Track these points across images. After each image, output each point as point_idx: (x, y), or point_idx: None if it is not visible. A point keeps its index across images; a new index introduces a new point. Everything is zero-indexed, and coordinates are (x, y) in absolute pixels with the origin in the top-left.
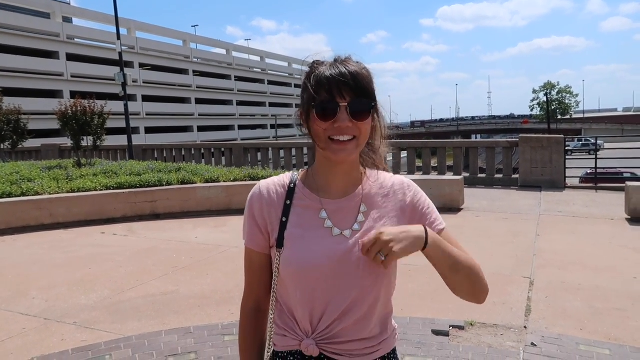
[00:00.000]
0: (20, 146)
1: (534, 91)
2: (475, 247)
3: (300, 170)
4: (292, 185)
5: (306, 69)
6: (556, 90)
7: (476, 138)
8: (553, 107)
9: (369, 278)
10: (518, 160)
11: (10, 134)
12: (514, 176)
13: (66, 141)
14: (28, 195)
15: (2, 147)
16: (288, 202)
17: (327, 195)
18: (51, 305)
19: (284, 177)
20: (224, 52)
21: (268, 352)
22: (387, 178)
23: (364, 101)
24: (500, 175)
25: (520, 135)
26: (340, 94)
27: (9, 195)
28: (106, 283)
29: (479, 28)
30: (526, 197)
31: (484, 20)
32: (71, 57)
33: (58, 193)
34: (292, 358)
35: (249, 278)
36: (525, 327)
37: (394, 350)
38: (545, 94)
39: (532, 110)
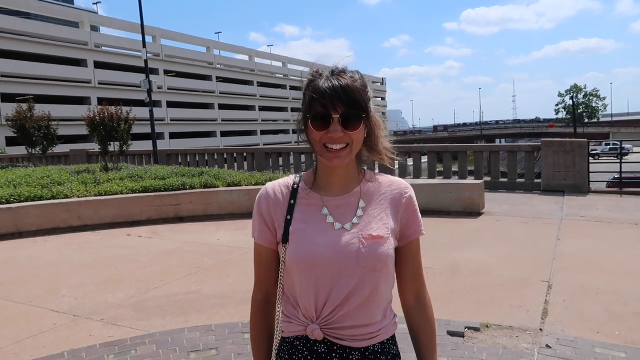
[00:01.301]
0: (51, 151)
1: (560, 94)
2: (494, 251)
3: (303, 172)
4: (295, 186)
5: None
6: (583, 94)
7: (500, 142)
8: (580, 111)
9: (368, 267)
10: (541, 164)
11: (41, 140)
12: (536, 181)
13: (94, 146)
14: (58, 199)
15: (33, 152)
16: (292, 201)
17: (328, 193)
18: (80, 302)
19: (289, 179)
20: (246, 58)
21: (277, 339)
22: (387, 179)
23: (355, 113)
24: (523, 180)
25: (543, 139)
26: (333, 106)
27: (40, 199)
28: (132, 282)
29: (504, 31)
30: (548, 201)
31: (509, 23)
32: (99, 65)
33: (86, 196)
34: (298, 343)
35: (258, 272)
36: (541, 329)
37: (393, 337)
38: (572, 98)
39: (557, 114)
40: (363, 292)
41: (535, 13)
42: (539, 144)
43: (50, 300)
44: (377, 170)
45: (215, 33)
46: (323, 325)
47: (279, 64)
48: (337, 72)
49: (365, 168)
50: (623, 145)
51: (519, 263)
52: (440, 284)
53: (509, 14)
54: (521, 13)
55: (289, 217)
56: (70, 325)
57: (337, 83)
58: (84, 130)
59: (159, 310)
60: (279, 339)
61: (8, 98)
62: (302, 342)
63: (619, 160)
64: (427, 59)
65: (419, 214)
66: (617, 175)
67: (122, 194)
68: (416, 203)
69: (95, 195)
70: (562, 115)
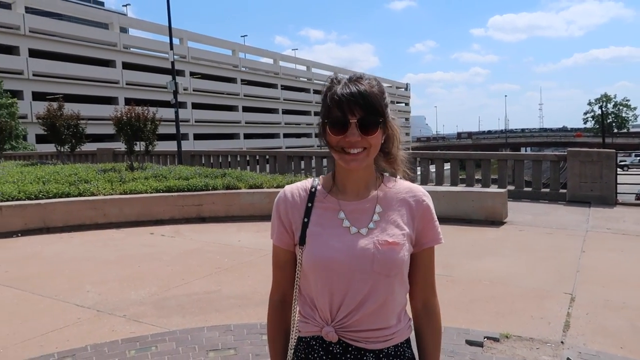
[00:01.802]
0: (78, 149)
1: (589, 103)
2: (515, 260)
3: (321, 176)
4: (313, 189)
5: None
6: (612, 103)
7: (525, 151)
8: (609, 121)
9: (383, 272)
10: (566, 174)
11: (69, 138)
12: (561, 191)
13: (120, 145)
14: (84, 196)
15: (62, 150)
16: (309, 204)
17: (345, 197)
18: (103, 298)
19: (307, 182)
20: (271, 61)
21: (293, 339)
22: (405, 185)
23: (372, 118)
24: (547, 190)
25: (569, 148)
26: (350, 111)
27: (67, 195)
28: (153, 280)
29: (532, 38)
30: (573, 212)
31: (537, 30)
32: (126, 66)
33: (112, 194)
34: (314, 342)
35: (275, 273)
36: (562, 342)
37: (407, 340)
38: (601, 107)
39: (585, 123)
40: (377, 297)
41: (564, 20)
42: (565, 153)
43: (74, 295)
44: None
45: (241, 36)
46: (338, 328)
47: (303, 68)
48: (354, 79)
49: (384, 173)
50: None
51: (541, 274)
52: (460, 292)
53: (537, 20)
54: (550, 20)
55: (306, 220)
56: (93, 320)
57: (354, 88)
58: (111, 130)
59: (179, 309)
60: (296, 338)
61: (39, 97)
62: (318, 342)
63: None
64: (453, 65)
65: (436, 223)
66: None
67: (146, 193)
68: (433, 211)
69: (121, 194)
70: (590, 124)
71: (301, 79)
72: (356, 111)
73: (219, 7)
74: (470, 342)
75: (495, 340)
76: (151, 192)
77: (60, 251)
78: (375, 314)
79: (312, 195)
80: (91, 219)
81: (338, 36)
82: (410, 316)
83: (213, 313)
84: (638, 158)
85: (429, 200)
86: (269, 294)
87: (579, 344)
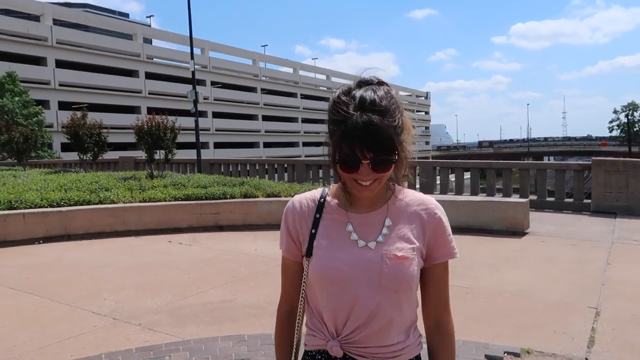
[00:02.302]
0: (101, 158)
1: (615, 112)
2: (538, 272)
3: (331, 185)
4: (322, 199)
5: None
6: (639, 111)
7: (548, 160)
8: (635, 129)
9: (391, 288)
10: (590, 184)
11: (92, 146)
12: (585, 201)
13: (141, 154)
14: (105, 204)
15: (84, 158)
16: (317, 215)
17: (353, 209)
18: (120, 306)
19: (316, 193)
20: (291, 70)
21: (299, 351)
22: (417, 196)
23: (386, 158)
24: (571, 200)
25: (593, 157)
26: (361, 152)
27: (88, 203)
28: (170, 288)
29: (556, 45)
30: (598, 223)
31: (561, 38)
32: (149, 76)
33: (131, 202)
34: (319, 357)
35: (284, 284)
36: (586, 358)
37: (417, 357)
38: (627, 115)
39: (611, 132)
40: (385, 313)
41: (589, 27)
42: (589, 162)
43: (92, 303)
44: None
45: (262, 46)
46: (343, 343)
47: (323, 77)
48: (367, 101)
49: (394, 184)
50: None
51: (564, 287)
52: (480, 305)
53: (561, 28)
54: (574, 27)
55: (313, 231)
56: (109, 328)
57: (366, 119)
58: (133, 138)
59: (194, 318)
60: (302, 350)
61: (65, 106)
62: (324, 357)
63: None
64: (474, 74)
65: (449, 236)
66: None
67: (165, 201)
68: (446, 224)
69: (140, 202)
70: (615, 133)
71: (321, 87)
72: (367, 152)
73: (240, 17)
74: (490, 357)
75: (516, 355)
76: (170, 200)
77: (80, 258)
78: (383, 330)
79: (320, 206)
80: (111, 226)
81: (358, 45)
82: (421, 332)
83: (227, 323)
84: None
85: (441, 213)
86: None
87: None
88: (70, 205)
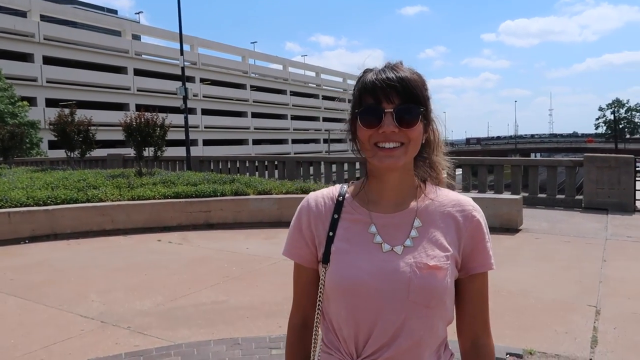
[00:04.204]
0: (88, 155)
1: (601, 109)
2: (534, 270)
3: (350, 182)
4: (340, 198)
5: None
6: (625, 108)
7: (535, 156)
8: (621, 126)
9: (421, 302)
10: (582, 180)
11: (79, 144)
12: (577, 197)
13: (130, 151)
14: (92, 202)
15: (72, 155)
16: (335, 215)
17: (377, 208)
18: (108, 308)
19: (333, 190)
20: (280, 67)
21: None
22: (451, 196)
23: (412, 107)
24: (562, 196)
25: (585, 154)
26: (386, 98)
27: (76, 201)
28: (160, 290)
29: (545, 43)
30: (591, 219)
31: (550, 35)
32: (138, 72)
33: (120, 200)
34: None
35: (296, 293)
36: (590, 359)
37: None
38: (613, 112)
39: (597, 129)
40: (413, 331)
41: (578, 25)
42: (581, 158)
43: (79, 305)
44: None
45: (251, 42)
46: None
47: (312, 74)
48: (391, 65)
49: (425, 181)
50: None
51: (562, 285)
52: None
53: (550, 25)
54: (563, 25)
55: (330, 234)
56: (97, 332)
57: (391, 74)
58: (121, 136)
59: (185, 320)
60: None
61: (53, 103)
62: None
63: None
64: (463, 71)
65: (488, 244)
66: None
67: (154, 199)
68: (486, 229)
69: (129, 200)
70: (601, 130)
71: (310, 85)
72: (393, 98)
73: (229, 13)
74: None
75: (519, 357)
76: (159, 198)
77: (67, 258)
78: (411, 351)
79: (339, 204)
80: (99, 225)
81: (348, 42)
82: (453, 351)
83: (220, 325)
84: None
85: (480, 216)
86: (279, 305)
87: None
88: (57, 203)
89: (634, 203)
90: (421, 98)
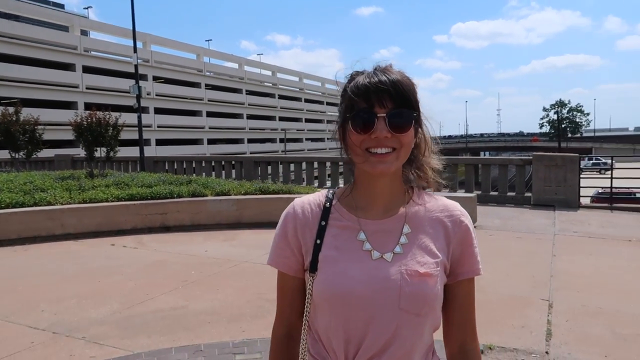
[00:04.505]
0: (35, 156)
1: (545, 109)
2: (490, 267)
3: (337, 188)
4: (327, 204)
5: (335, 85)
6: (567, 109)
7: (484, 155)
8: (563, 126)
9: (412, 311)
10: (529, 177)
11: (25, 144)
12: (526, 194)
13: (79, 152)
14: (40, 205)
15: (17, 156)
16: (323, 222)
17: (366, 215)
18: (60, 318)
19: (320, 196)
20: (236, 66)
21: None
22: (440, 201)
23: (405, 112)
24: (513, 193)
25: (534, 153)
26: (379, 102)
27: (22, 205)
28: (115, 296)
29: (494, 45)
30: (539, 216)
31: (498, 38)
32: (87, 70)
33: (70, 203)
34: None
35: (280, 302)
36: (547, 352)
37: None
38: (556, 112)
39: (541, 128)
40: (404, 340)
41: (524, 28)
42: (531, 157)
43: (28, 316)
44: None
45: (206, 40)
46: None
47: (268, 73)
48: (381, 68)
49: (413, 186)
50: (604, 161)
51: (516, 280)
52: None
53: (499, 28)
54: (511, 28)
55: (318, 242)
56: (48, 344)
57: (383, 77)
58: (70, 135)
59: (144, 328)
60: None
61: None
62: None
63: (603, 176)
64: (416, 71)
65: (476, 249)
66: (600, 190)
67: (107, 201)
68: (474, 234)
69: (80, 203)
70: (546, 129)
71: (266, 84)
72: (386, 102)
73: (183, 10)
74: None
75: None
76: (112, 201)
77: (14, 266)
78: None
79: (326, 211)
80: (48, 230)
81: (304, 41)
82: (440, 356)
83: (181, 332)
84: (591, 162)
85: (468, 221)
86: (241, 309)
87: (564, 354)
88: (2, 208)
89: (579, 200)
90: (413, 102)
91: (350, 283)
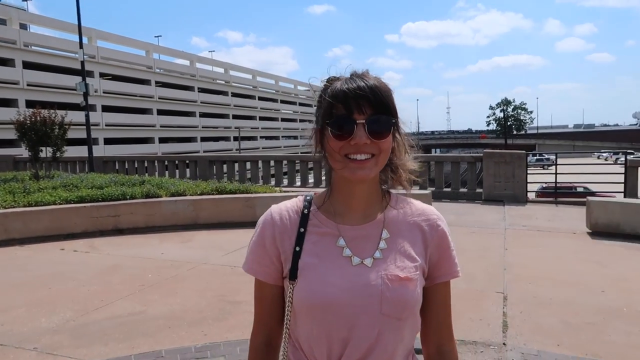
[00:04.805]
0: None
1: (491, 107)
2: None
3: (314, 193)
4: (305, 210)
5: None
6: (512, 107)
7: (435, 152)
8: (509, 123)
9: (393, 315)
10: (479, 173)
11: None
12: (477, 190)
13: (22, 152)
14: None
15: None
16: (302, 229)
17: (345, 220)
18: (8, 329)
19: (297, 202)
20: (187, 63)
21: None
22: (416, 206)
23: (384, 118)
24: (465, 190)
25: (485, 150)
26: (358, 109)
27: None
28: (68, 304)
29: (442, 45)
30: (491, 211)
31: (447, 38)
32: (28, 65)
33: (14, 207)
34: None
35: (258, 310)
36: (504, 343)
37: None
38: (502, 110)
39: (488, 126)
40: (387, 345)
41: (471, 29)
42: (481, 154)
43: None
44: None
45: (155, 36)
46: None
47: (221, 70)
48: (358, 74)
49: (390, 191)
50: (547, 157)
51: (472, 274)
52: None
53: (447, 29)
54: (459, 28)
55: (297, 249)
56: None
57: (362, 83)
58: (11, 135)
59: (100, 335)
60: None
61: None
62: None
63: (547, 171)
64: (369, 70)
65: (453, 252)
66: (544, 185)
67: (55, 204)
68: (450, 238)
69: (25, 206)
70: (493, 126)
71: (219, 81)
72: (365, 109)
73: (131, 5)
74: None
75: None
76: (61, 204)
77: None
78: None
79: (304, 217)
80: None
81: (257, 38)
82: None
83: (140, 338)
84: (535, 158)
85: (444, 225)
86: (202, 312)
87: (520, 344)
88: None
89: (526, 195)
90: (392, 108)
91: (331, 290)
